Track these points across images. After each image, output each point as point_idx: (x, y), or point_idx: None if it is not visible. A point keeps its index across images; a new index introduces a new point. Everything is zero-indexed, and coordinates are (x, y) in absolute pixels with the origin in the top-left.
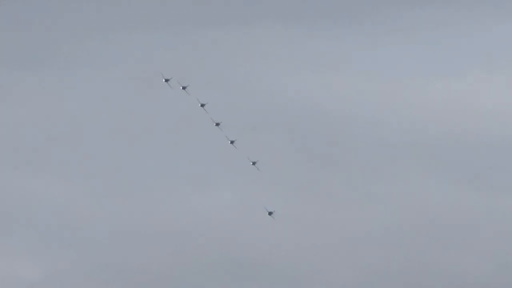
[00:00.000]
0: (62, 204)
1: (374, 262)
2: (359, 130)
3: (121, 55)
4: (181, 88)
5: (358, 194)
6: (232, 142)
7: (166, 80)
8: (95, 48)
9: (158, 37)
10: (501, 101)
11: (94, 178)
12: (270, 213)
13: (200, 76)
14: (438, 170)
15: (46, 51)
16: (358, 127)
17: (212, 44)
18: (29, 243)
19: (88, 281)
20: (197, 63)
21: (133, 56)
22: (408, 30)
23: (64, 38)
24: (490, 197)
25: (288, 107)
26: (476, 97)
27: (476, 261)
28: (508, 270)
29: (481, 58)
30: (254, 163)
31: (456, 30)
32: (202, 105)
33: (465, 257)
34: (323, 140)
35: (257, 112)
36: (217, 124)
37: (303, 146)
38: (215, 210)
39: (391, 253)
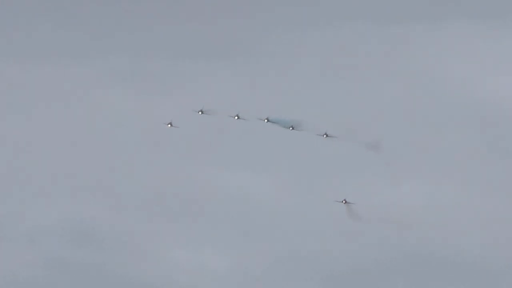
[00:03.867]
0: (250, 195)
1: None
2: None
3: (317, 46)
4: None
5: None
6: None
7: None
8: (290, 41)
9: (350, 29)
10: None
11: (283, 172)
12: (345, 202)
13: (389, 71)
14: None
15: (238, 42)
16: None
17: (403, 40)
18: (216, 233)
19: (271, 273)
20: (389, 57)
21: (327, 47)
22: None
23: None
24: None
25: (479, 106)
26: None
27: None
28: None
29: None
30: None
31: None
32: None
33: None
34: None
35: (447, 110)
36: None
37: (494, 145)
38: (407, 207)
39: None
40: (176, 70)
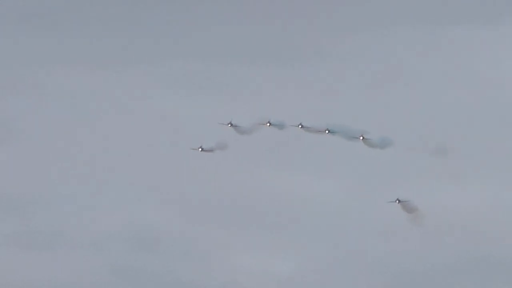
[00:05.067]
0: (316, 199)
1: None
2: None
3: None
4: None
5: None
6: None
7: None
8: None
9: (409, 33)
10: None
11: (348, 176)
12: (399, 201)
13: (451, 75)
14: None
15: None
16: None
17: (466, 41)
18: (279, 237)
19: (335, 276)
20: (450, 60)
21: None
22: None
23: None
24: None
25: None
26: None
27: None
28: None
29: None
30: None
31: None
32: None
33: None
34: None
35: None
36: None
37: None
38: (468, 208)
39: None
40: (233, 75)
